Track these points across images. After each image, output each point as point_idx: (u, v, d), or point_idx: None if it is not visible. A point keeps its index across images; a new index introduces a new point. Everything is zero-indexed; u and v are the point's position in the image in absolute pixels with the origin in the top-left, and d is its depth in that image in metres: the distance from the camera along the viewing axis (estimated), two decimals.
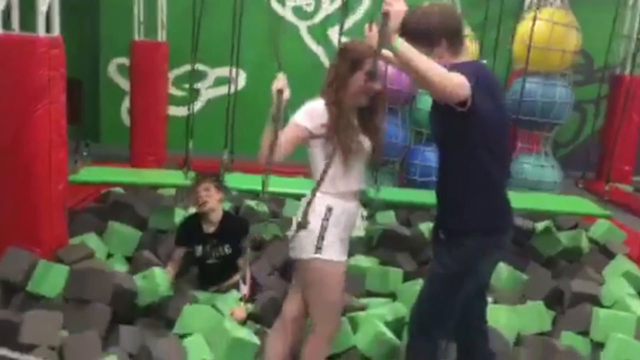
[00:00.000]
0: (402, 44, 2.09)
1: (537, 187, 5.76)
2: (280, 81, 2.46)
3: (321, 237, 2.51)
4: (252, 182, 4.70)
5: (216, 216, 3.75)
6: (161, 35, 6.59)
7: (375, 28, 2.23)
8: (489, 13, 5.30)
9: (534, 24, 5.10)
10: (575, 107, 7.73)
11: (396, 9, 2.09)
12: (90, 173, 4.67)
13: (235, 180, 4.54)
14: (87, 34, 7.60)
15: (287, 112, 2.53)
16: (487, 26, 4.93)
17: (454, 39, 2.32)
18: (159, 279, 3.40)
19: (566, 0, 5.58)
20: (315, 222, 2.52)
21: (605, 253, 4.58)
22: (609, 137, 7.15)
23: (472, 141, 2.26)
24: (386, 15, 2.07)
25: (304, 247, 2.54)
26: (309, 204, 2.52)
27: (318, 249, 2.51)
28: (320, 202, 2.53)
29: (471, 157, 2.28)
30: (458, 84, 2.10)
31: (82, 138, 6.52)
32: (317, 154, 2.56)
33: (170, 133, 6.60)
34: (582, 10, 6.70)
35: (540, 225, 4.88)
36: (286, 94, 2.46)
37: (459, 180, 2.34)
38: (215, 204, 3.73)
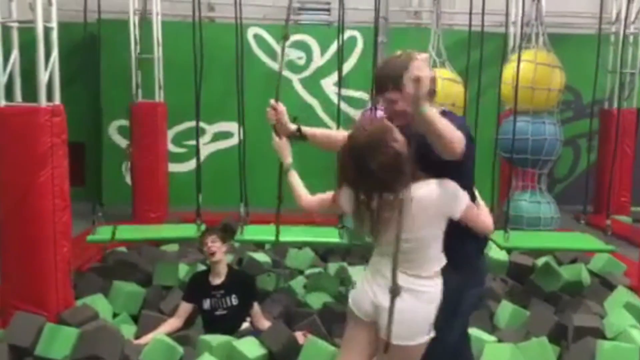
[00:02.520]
0: (429, 109, 2.06)
1: (536, 224, 5.83)
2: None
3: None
4: (265, 233, 4.82)
5: (223, 268, 3.85)
6: (159, 96, 6.80)
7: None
8: (474, 57, 5.47)
9: (518, 65, 5.25)
10: (569, 143, 7.90)
11: (425, 74, 2.06)
12: (104, 231, 4.76)
13: (251, 231, 4.64)
14: (88, 98, 7.81)
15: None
16: (478, 68, 5.09)
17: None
18: (165, 350, 3.40)
19: (547, 42, 5.77)
20: (428, 309, 2.27)
21: (606, 285, 4.61)
22: (603, 170, 7.25)
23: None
24: (417, 81, 2.02)
25: (413, 333, 2.25)
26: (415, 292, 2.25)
27: (429, 332, 2.28)
28: (437, 285, 2.30)
29: None
30: (461, 140, 2.14)
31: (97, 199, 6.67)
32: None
33: (171, 189, 6.73)
34: (567, 48, 6.94)
35: (540, 261, 4.92)
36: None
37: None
38: (222, 255, 3.85)
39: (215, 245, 3.81)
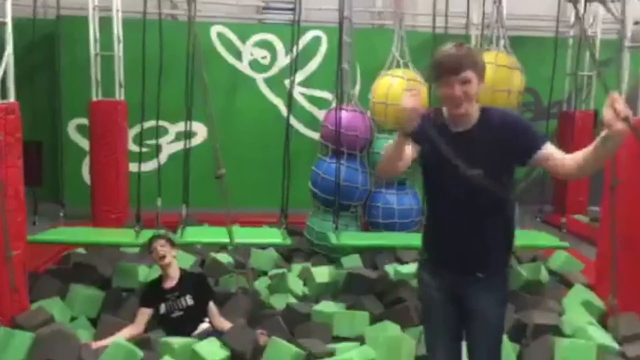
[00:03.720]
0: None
1: None
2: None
3: None
4: (212, 234, 4.81)
5: (174, 271, 3.91)
6: (119, 94, 6.67)
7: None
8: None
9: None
10: None
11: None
12: (49, 233, 4.67)
13: (195, 233, 4.62)
14: (47, 96, 7.63)
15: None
16: None
17: None
18: (124, 354, 3.32)
19: (508, 44, 5.86)
20: None
21: (564, 283, 4.72)
22: None
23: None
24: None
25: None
26: None
27: None
28: None
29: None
30: None
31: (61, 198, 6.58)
32: None
33: (132, 190, 6.59)
34: (526, 51, 7.07)
35: None
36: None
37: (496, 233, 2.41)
38: (172, 258, 3.91)
39: (164, 249, 3.87)
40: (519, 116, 2.51)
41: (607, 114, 1.96)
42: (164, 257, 3.84)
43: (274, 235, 4.78)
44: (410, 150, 2.36)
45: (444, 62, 2.25)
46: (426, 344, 2.63)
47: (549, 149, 2.26)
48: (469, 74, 2.24)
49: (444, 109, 2.37)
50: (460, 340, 2.53)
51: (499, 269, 2.48)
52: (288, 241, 4.74)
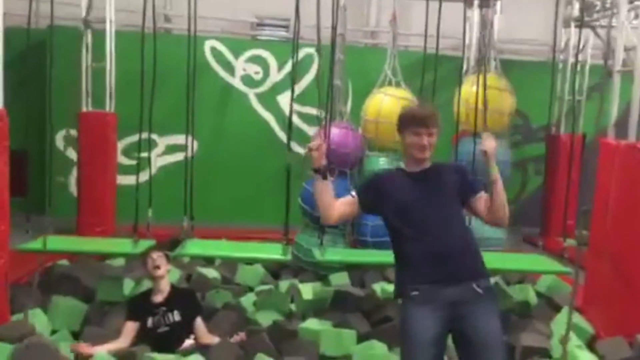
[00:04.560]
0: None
1: (485, 244, 5.89)
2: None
3: None
4: (209, 248, 4.78)
5: (165, 285, 3.86)
6: (109, 106, 6.63)
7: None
8: (428, 79, 5.56)
9: (478, 87, 5.35)
10: (517, 166, 8.10)
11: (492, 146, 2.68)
12: (41, 242, 4.60)
13: (195, 246, 4.57)
14: (34, 105, 7.57)
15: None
16: (432, 89, 5.21)
17: None
18: None
19: (499, 66, 5.92)
20: None
21: (552, 306, 4.70)
22: (550, 194, 7.45)
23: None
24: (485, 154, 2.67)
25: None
26: None
27: None
28: None
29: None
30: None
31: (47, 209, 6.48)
32: None
33: (121, 203, 6.53)
34: (517, 74, 7.14)
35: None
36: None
37: (467, 234, 2.68)
38: (165, 272, 3.87)
39: (160, 260, 3.84)
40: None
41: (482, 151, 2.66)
42: (158, 267, 3.81)
43: (274, 251, 4.74)
44: (349, 206, 2.74)
45: (417, 116, 2.69)
46: None
47: (484, 195, 2.71)
48: (434, 129, 2.67)
49: (401, 163, 2.86)
50: None
51: (489, 282, 2.61)
52: (289, 257, 4.71)
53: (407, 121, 2.68)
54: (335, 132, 5.25)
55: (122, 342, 3.66)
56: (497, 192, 2.64)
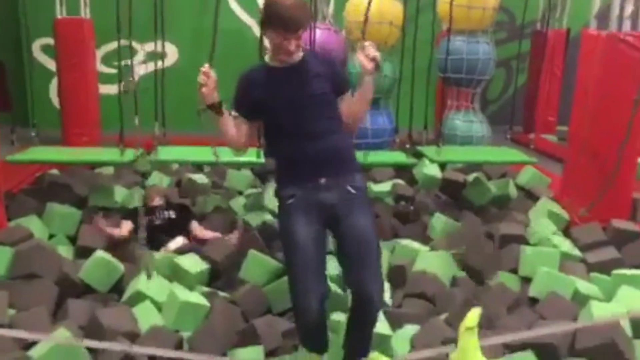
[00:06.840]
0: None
1: (468, 142, 6.05)
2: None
3: None
4: (184, 154, 4.85)
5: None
6: (85, 12, 6.42)
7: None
8: None
9: None
10: (501, 64, 8.08)
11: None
12: (30, 153, 4.65)
13: (168, 152, 4.63)
14: (8, 15, 7.34)
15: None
16: None
17: None
18: (105, 267, 3.38)
19: None
20: None
21: (530, 197, 4.88)
22: (532, 91, 7.50)
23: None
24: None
25: None
26: None
27: None
28: None
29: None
30: None
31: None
32: None
33: (103, 112, 6.48)
34: None
35: (470, 177, 5.12)
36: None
37: (341, 130, 2.61)
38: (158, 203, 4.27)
39: (157, 192, 4.40)
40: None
41: (360, 58, 2.49)
42: (154, 199, 4.22)
43: (249, 155, 4.77)
44: (245, 124, 2.63)
45: (285, 20, 2.42)
46: (296, 292, 2.49)
47: (349, 96, 2.62)
48: (302, 30, 2.49)
49: (266, 56, 2.66)
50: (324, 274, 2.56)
51: (361, 180, 2.60)
52: (262, 160, 4.76)
53: (274, 21, 2.44)
54: (318, 33, 5.18)
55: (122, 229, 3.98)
56: (364, 100, 2.58)
